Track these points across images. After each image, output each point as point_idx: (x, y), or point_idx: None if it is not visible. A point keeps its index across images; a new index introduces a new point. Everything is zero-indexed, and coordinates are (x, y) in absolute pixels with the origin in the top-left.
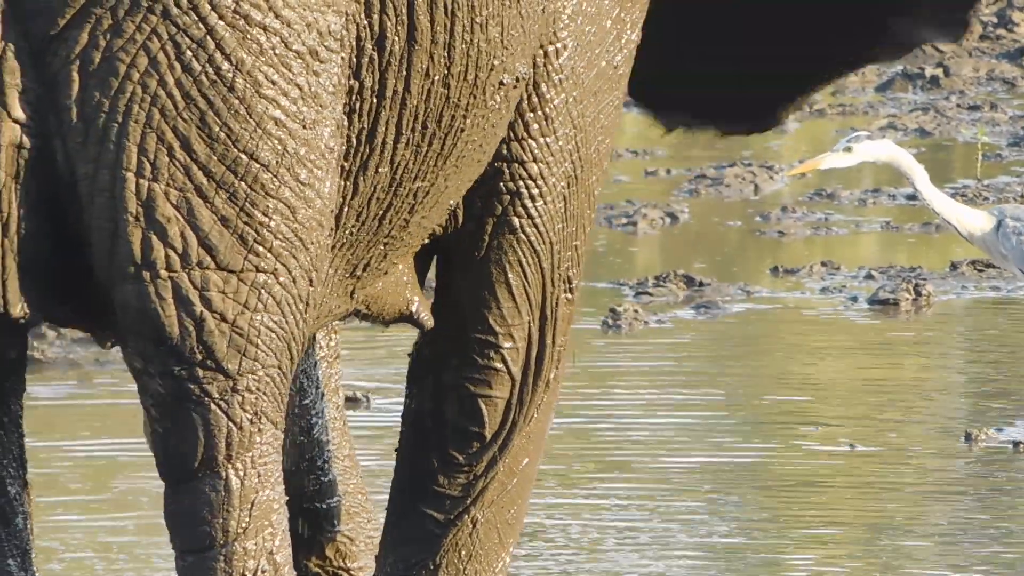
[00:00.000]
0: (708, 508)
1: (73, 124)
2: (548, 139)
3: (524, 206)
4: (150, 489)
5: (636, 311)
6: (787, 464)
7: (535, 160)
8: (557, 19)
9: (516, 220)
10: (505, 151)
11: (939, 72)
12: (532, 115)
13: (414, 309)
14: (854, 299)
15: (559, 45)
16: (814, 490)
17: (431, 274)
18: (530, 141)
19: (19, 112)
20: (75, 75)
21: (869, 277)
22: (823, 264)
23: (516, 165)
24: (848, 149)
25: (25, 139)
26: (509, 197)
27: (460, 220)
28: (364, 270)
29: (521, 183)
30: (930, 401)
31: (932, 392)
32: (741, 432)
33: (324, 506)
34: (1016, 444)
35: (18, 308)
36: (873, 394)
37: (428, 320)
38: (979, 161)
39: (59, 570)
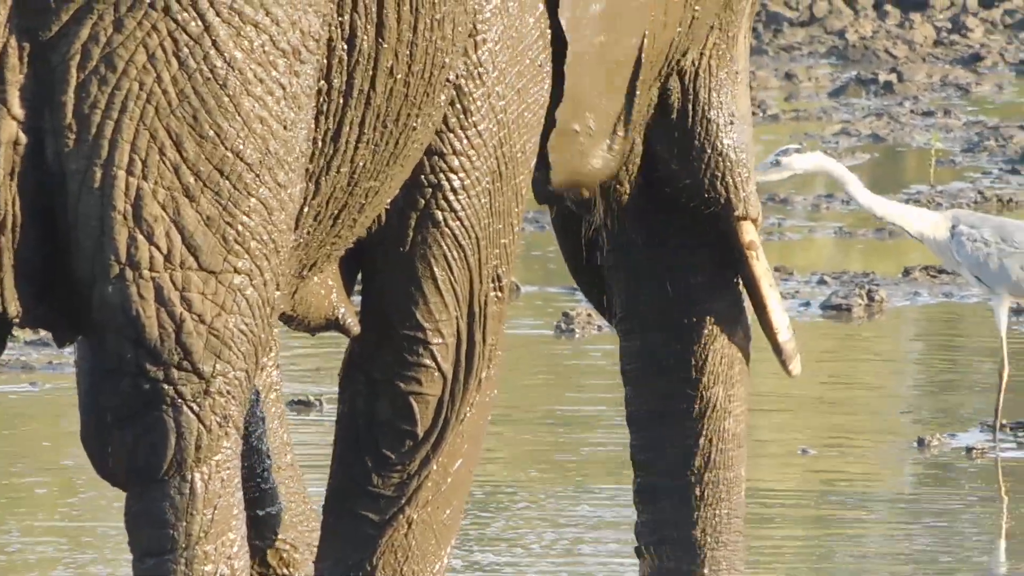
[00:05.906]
0: None
1: (67, 120)
2: (468, 132)
3: (447, 199)
4: (108, 493)
5: (589, 315)
6: None
7: (455, 153)
8: (478, 13)
9: (439, 213)
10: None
11: (892, 78)
12: (451, 108)
13: (340, 314)
14: (807, 305)
15: (478, 39)
16: (766, 494)
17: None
18: (449, 134)
19: (18, 109)
20: (73, 71)
21: (822, 283)
22: (776, 269)
23: (436, 157)
24: (776, 163)
25: (21, 136)
26: (431, 190)
27: (383, 215)
28: (311, 270)
29: (442, 175)
30: (883, 406)
31: (885, 398)
32: None
33: (264, 514)
34: (969, 450)
35: (13, 307)
36: (826, 399)
37: (355, 326)
38: (932, 167)
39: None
